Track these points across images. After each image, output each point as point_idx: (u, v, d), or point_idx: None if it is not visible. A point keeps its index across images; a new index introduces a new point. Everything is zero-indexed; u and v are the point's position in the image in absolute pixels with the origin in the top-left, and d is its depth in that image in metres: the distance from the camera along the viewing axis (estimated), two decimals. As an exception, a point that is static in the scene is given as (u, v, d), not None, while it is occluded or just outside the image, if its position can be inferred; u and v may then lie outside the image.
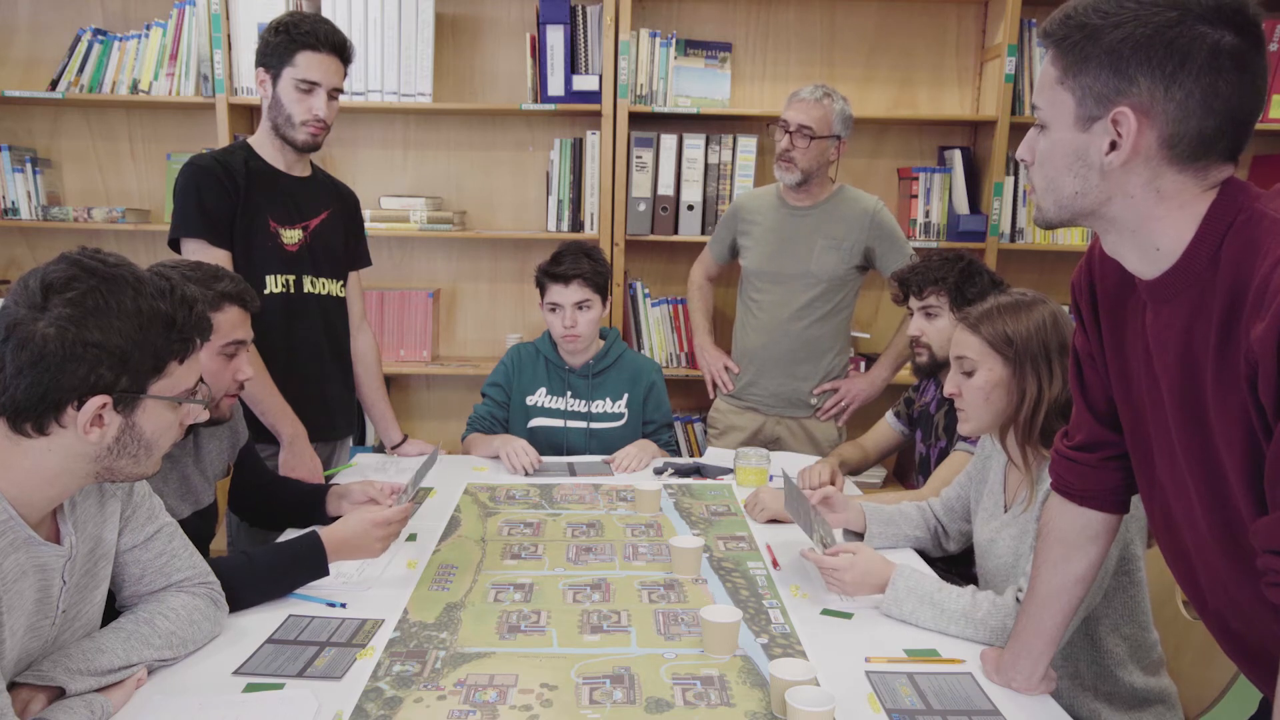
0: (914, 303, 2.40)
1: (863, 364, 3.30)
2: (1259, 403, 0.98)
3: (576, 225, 3.40)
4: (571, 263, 2.57)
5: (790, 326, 2.86)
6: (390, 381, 3.34)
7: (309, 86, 2.26)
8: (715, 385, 3.04)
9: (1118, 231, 1.11)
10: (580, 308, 2.58)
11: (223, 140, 3.19)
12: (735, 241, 2.98)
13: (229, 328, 1.78)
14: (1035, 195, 1.15)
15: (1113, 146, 1.04)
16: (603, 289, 2.62)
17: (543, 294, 2.63)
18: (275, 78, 2.27)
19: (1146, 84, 1.01)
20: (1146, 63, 1.00)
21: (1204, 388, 1.07)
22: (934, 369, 2.43)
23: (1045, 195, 1.12)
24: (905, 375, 2.78)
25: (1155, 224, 1.07)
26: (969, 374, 1.73)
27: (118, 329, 1.17)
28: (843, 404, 2.91)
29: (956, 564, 2.17)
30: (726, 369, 3.00)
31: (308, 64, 2.26)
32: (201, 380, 1.33)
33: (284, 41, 2.24)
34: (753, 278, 2.91)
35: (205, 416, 1.37)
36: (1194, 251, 1.06)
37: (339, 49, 2.30)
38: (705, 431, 3.55)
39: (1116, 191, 1.07)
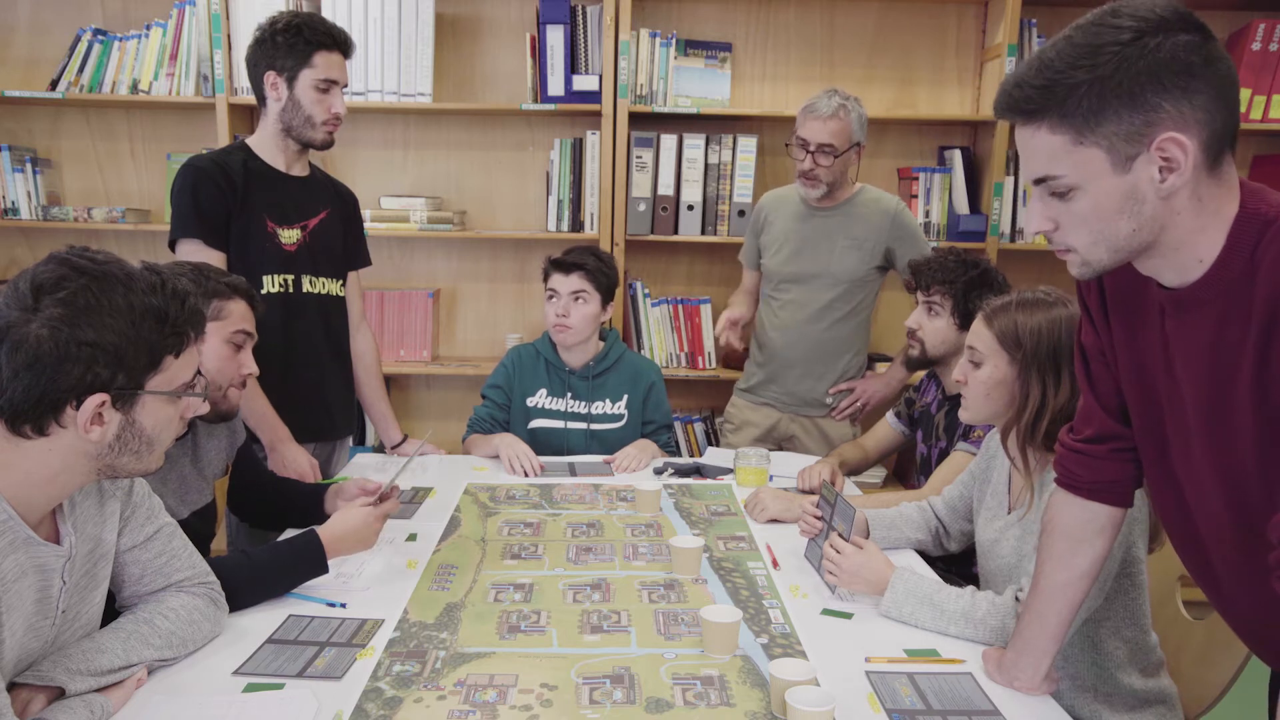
0: (919, 295, 2.41)
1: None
2: None
3: (576, 225, 3.40)
4: (578, 255, 2.61)
5: (811, 327, 2.85)
6: (390, 381, 3.35)
7: (328, 86, 2.27)
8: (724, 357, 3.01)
9: (1162, 254, 1.12)
10: (576, 299, 2.58)
11: (223, 140, 3.19)
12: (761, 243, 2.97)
13: (239, 317, 1.83)
14: (1078, 254, 1.13)
15: (1162, 171, 1.05)
16: (604, 290, 2.62)
17: (546, 284, 2.65)
18: (291, 80, 2.26)
19: (1170, 105, 1.02)
20: (1157, 87, 1.02)
21: (1236, 392, 1.09)
22: (923, 364, 2.46)
23: (1096, 248, 1.11)
24: (914, 376, 2.78)
25: (1199, 236, 1.09)
26: (977, 365, 1.74)
27: (111, 326, 1.17)
28: (858, 404, 2.91)
29: (957, 564, 2.17)
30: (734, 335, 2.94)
31: (326, 64, 2.26)
32: (199, 373, 1.32)
33: (299, 43, 2.23)
34: (774, 278, 2.90)
35: (205, 408, 1.37)
36: (1227, 259, 1.08)
37: (346, 45, 2.31)
38: (706, 431, 3.56)
39: (1168, 213, 1.08)
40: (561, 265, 2.61)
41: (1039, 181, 1.11)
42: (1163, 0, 1.03)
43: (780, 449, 2.87)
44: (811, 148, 2.70)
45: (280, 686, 1.36)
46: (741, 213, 3.32)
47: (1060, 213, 1.11)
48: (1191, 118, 1.03)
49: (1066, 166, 1.07)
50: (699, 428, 3.57)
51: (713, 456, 2.71)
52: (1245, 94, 3.24)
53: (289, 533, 1.94)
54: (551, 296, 2.61)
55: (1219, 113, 1.03)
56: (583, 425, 2.68)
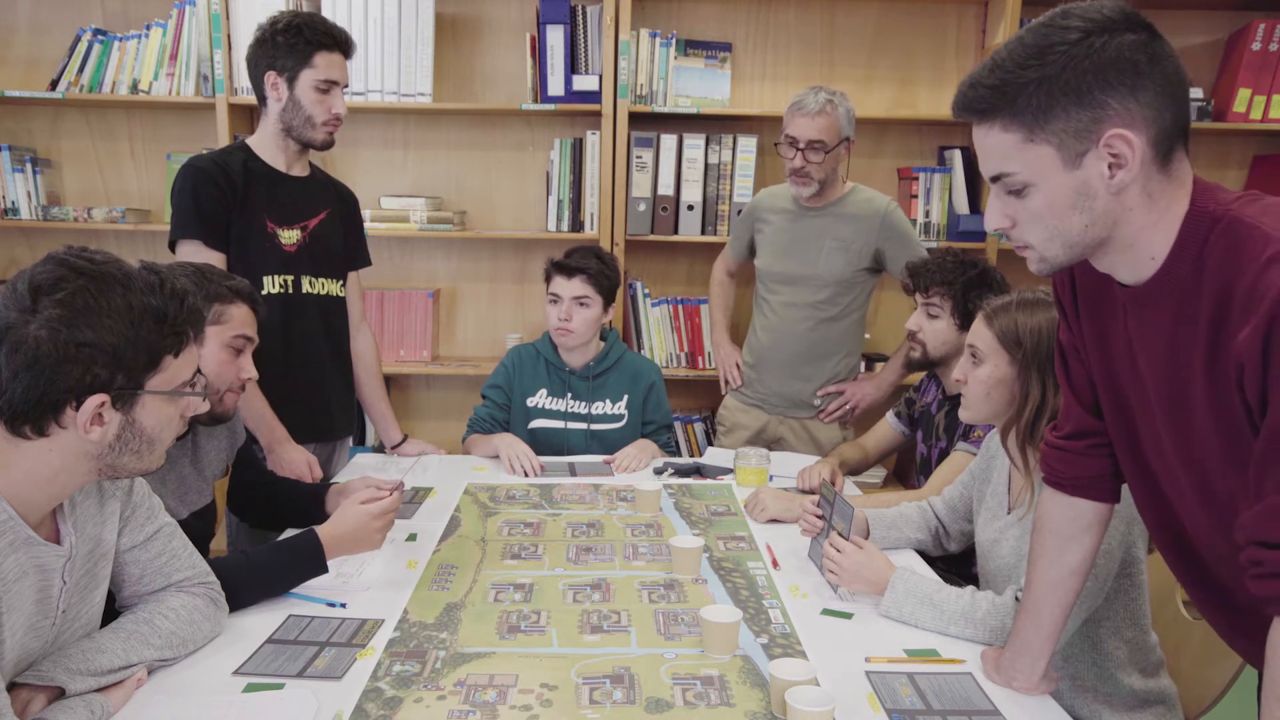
0: (919, 298, 2.41)
1: (862, 365, 3.29)
2: (1247, 403, 1.03)
3: (576, 225, 3.40)
4: (580, 258, 2.60)
5: (797, 327, 2.84)
6: (390, 381, 3.35)
7: (328, 86, 2.27)
8: (726, 381, 3.04)
9: (1117, 251, 1.14)
10: (579, 304, 2.58)
11: (223, 140, 3.19)
12: (752, 240, 2.96)
13: (239, 322, 1.83)
14: (1035, 250, 1.15)
15: (1111, 167, 1.07)
16: (607, 292, 2.62)
17: (548, 286, 2.64)
18: (291, 80, 2.26)
19: (1116, 102, 1.05)
20: (1103, 85, 1.04)
21: (1192, 389, 1.11)
22: (925, 366, 2.47)
23: (1051, 243, 1.13)
24: (913, 377, 2.78)
25: (1150, 232, 1.11)
26: (977, 364, 1.74)
27: (109, 327, 1.17)
28: (847, 406, 2.90)
29: (957, 564, 2.17)
30: (738, 366, 3.00)
31: (327, 64, 2.26)
32: (199, 372, 1.32)
33: (299, 43, 2.23)
34: (764, 277, 2.90)
35: (205, 407, 1.37)
36: (1177, 256, 1.10)
37: (347, 45, 2.31)
38: (706, 431, 3.55)
39: (1120, 209, 1.09)
40: (564, 269, 2.60)
41: (995, 179, 1.13)
42: (1110, 2, 1.06)
43: (770, 450, 2.87)
44: (801, 145, 2.68)
45: (280, 686, 1.37)
46: (741, 213, 3.31)
47: (1016, 210, 1.13)
48: (1139, 114, 1.05)
49: (1019, 164, 1.10)
50: (699, 428, 3.57)
51: (713, 456, 2.71)
52: (1245, 94, 3.24)
53: (289, 533, 1.94)
54: (554, 300, 2.61)
55: (1167, 109, 1.05)
56: (583, 425, 2.68)
